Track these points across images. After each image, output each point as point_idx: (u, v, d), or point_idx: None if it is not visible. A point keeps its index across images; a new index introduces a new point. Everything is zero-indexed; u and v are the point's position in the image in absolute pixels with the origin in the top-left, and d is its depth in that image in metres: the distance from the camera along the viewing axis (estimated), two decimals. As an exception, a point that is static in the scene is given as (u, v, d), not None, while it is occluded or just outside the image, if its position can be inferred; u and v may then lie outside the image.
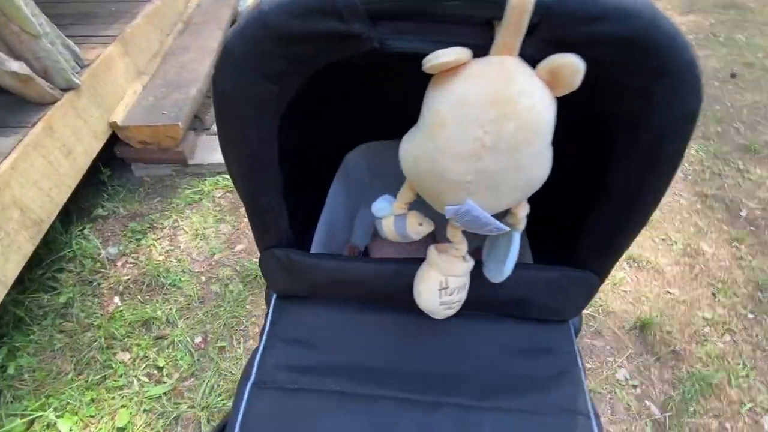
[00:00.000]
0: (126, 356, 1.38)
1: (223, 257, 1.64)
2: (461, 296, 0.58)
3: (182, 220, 1.78)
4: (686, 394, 1.28)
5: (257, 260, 1.90)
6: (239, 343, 1.41)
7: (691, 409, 1.26)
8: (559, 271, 0.60)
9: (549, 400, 0.59)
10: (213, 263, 1.63)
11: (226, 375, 1.35)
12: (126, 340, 1.41)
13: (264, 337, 0.68)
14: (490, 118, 0.41)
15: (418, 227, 0.57)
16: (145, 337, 1.43)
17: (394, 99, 0.59)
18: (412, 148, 0.47)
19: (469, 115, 0.40)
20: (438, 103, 0.42)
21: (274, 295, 0.70)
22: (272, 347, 0.64)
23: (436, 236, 0.63)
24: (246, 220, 1.72)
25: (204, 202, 1.85)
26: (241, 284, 1.55)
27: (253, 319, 1.47)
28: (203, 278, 1.58)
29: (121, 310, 1.49)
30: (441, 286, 0.56)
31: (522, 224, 0.55)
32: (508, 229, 0.48)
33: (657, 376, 1.33)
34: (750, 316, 1.44)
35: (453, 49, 0.38)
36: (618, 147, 0.48)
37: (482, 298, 0.60)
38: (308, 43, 0.41)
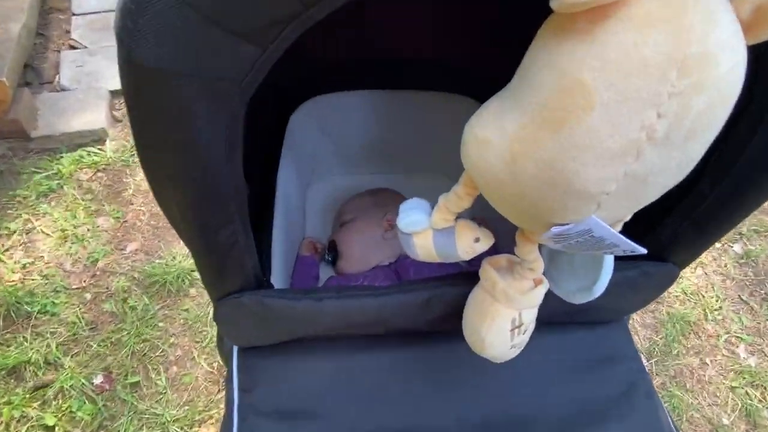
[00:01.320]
0: (-7, 423, 1.13)
1: (111, 263, 1.41)
2: (532, 329, 0.53)
3: (37, 219, 1.46)
4: (668, 337, 1.37)
5: (160, 261, 1.61)
6: (158, 373, 1.23)
7: (675, 351, 1.35)
8: (638, 268, 0.56)
9: (630, 425, 0.57)
10: (98, 273, 1.38)
11: (148, 418, 1.18)
12: (-12, 400, 1.14)
13: (234, 413, 0.57)
14: (673, 90, 0.28)
15: (473, 245, 0.48)
16: (18, 390, 1.18)
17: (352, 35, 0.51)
18: (502, 141, 0.35)
19: (638, 88, 0.28)
20: (576, 69, 0.29)
21: (235, 350, 0.62)
22: (250, 428, 0.55)
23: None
24: (138, 208, 1.53)
25: (66, 190, 1.53)
26: (145, 296, 1.34)
27: (172, 340, 1.29)
28: (88, 296, 1.34)
29: (-29, 361, 1.19)
30: (514, 324, 0.49)
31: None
32: (644, 250, 0.36)
33: (640, 323, 1.40)
34: (717, 245, 1.56)
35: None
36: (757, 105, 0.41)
37: (544, 312, 0.54)
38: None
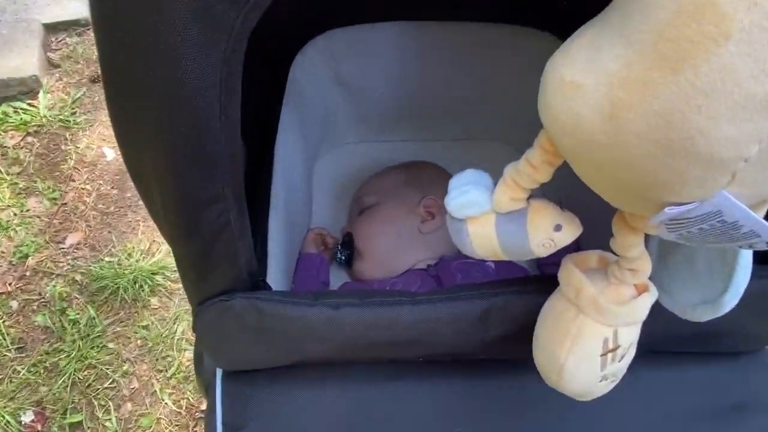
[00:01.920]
0: None
1: (45, 260, 1.48)
2: (631, 358, 0.53)
3: None
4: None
5: (111, 260, 1.68)
6: (106, 411, 1.29)
7: None
8: None
9: None
10: (27, 274, 1.46)
11: (92, 474, 1.24)
12: None
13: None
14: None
15: (553, 235, 0.49)
16: None
17: None
18: (599, 86, 0.36)
19: None
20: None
21: (219, 374, 0.64)
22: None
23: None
24: (82, 186, 1.61)
25: None
26: (90, 307, 1.40)
27: (126, 367, 1.34)
28: (14, 304, 1.42)
29: None
30: (606, 347, 0.49)
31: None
32: None
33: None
34: None
35: None
36: None
37: (649, 337, 0.55)
38: None
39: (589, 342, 0.49)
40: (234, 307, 0.55)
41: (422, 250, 0.88)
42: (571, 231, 0.48)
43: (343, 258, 0.92)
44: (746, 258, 0.47)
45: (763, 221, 0.37)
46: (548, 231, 0.48)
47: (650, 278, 0.52)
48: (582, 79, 0.36)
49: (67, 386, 1.30)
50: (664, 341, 0.61)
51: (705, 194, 0.36)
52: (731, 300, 0.47)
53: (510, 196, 0.47)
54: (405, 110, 1.02)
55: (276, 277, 0.69)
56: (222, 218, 0.48)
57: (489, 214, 0.48)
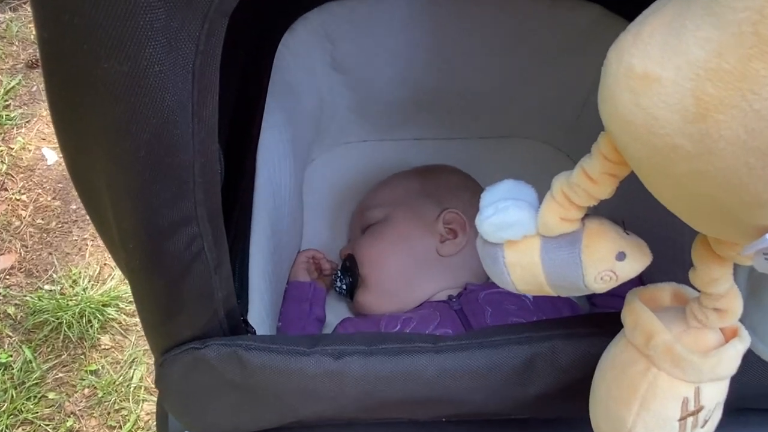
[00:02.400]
0: None
1: None
2: (718, 417, 0.53)
3: None
4: None
5: (51, 288, 1.68)
6: None
7: None
8: None
9: None
10: None
11: None
12: None
13: None
14: None
15: (615, 265, 0.49)
16: None
17: None
18: (681, 80, 0.36)
19: None
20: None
21: None
22: None
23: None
24: (16, 196, 1.61)
25: None
26: (25, 348, 1.41)
27: (70, 423, 1.34)
28: None
29: None
30: (687, 409, 0.50)
31: None
32: None
33: None
34: None
35: None
36: None
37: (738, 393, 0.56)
38: None
39: (664, 403, 0.49)
40: (208, 356, 0.55)
41: (442, 277, 0.89)
42: (638, 261, 0.49)
43: (344, 287, 0.92)
44: None
45: None
46: (609, 260, 0.48)
47: (741, 320, 0.52)
48: (659, 70, 0.36)
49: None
50: (757, 398, 0.61)
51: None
52: None
53: (560, 216, 0.48)
54: (418, 102, 1.03)
55: (260, 315, 0.70)
56: (194, 246, 0.50)
57: (533, 237, 0.49)
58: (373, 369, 0.56)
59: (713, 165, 0.36)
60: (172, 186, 0.46)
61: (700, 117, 0.35)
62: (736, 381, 0.51)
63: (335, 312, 0.94)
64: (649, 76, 0.36)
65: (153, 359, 0.62)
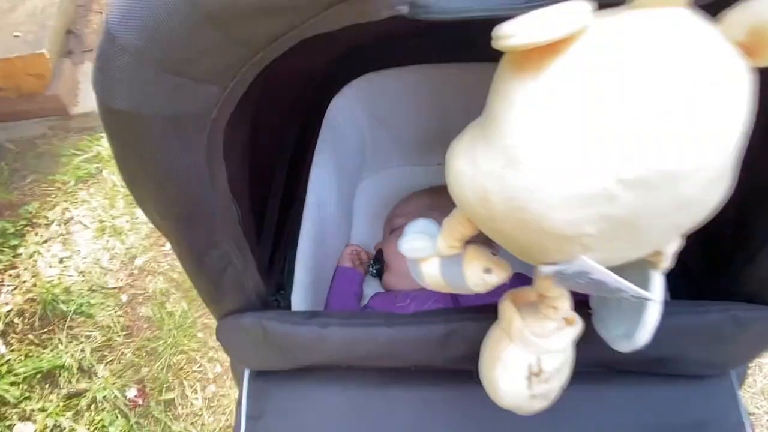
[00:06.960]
0: (29, 429, 1.38)
1: (150, 261, 1.62)
2: (563, 379, 0.56)
3: (76, 207, 1.73)
4: None
5: None
6: (194, 391, 1.42)
7: None
8: (727, 312, 0.60)
9: None
10: (135, 272, 1.61)
11: (180, 441, 1.36)
12: (24, 404, 1.40)
13: (242, 438, 0.67)
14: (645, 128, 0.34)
15: (484, 276, 0.53)
16: (52, 396, 1.43)
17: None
18: (476, 174, 0.41)
19: (602, 126, 0.34)
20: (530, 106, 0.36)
21: (246, 372, 0.71)
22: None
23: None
24: None
25: (105, 175, 1.79)
26: (183, 301, 1.54)
27: (211, 354, 1.46)
28: (125, 297, 1.57)
29: (8, 361, 1.47)
30: (531, 370, 0.53)
31: (666, 264, 0.49)
32: (651, 297, 0.41)
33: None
34: None
35: (566, 6, 0.32)
36: None
37: (597, 355, 0.58)
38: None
39: (514, 366, 0.52)
40: (244, 324, 0.61)
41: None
42: (499, 274, 0.52)
43: (375, 271, 0.99)
44: (654, 303, 0.48)
45: (621, 280, 0.41)
46: (479, 273, 0.52)
47: (594, 313, 0.56)
48: (464, 167, 0.41)
49: (164, 368, 1.43)
50: (625, 362, 0.61)
51: (568, 258, 0.41)
52: (643, 337, 0.49)
53: (448, 244, 0.52)
54: (440, 138, 1.01)
55: (301, 295, 0.76)
56: (222, 261, 0.54)
57: (434, 257, 0.53)
58: (346, 335, 0.61)
59: (500, 227, 0.41)
60: (199, 227, 0.50)
61: (485, 199, 0.40)
62: (607, 349, 0.53)
63: (371, 287, 1.00)
64: (460, 170, 0.41)
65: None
